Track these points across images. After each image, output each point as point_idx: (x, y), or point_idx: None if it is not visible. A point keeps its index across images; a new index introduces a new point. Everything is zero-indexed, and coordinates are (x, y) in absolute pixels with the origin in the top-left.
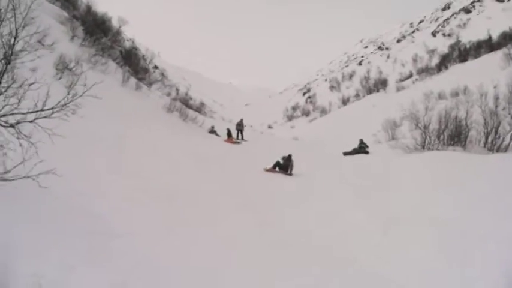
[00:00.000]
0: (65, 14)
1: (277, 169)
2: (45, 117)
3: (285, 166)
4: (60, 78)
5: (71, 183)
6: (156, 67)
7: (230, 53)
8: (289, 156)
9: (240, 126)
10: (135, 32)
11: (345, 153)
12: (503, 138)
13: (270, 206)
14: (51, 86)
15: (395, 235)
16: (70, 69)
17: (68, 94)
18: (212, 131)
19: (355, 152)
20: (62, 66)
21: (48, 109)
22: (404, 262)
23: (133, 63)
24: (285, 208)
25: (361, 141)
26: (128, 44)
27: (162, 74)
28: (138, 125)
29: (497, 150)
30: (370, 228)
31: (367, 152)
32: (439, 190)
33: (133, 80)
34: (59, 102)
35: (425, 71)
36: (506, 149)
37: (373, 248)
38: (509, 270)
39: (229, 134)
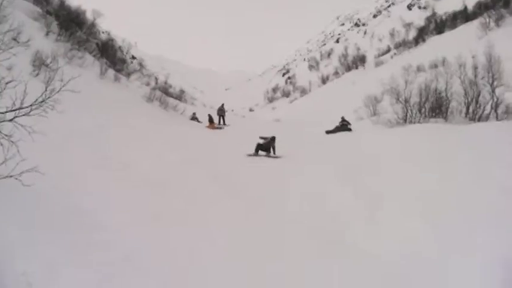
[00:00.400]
0: (38, 9)
1: (259, 153)
2: (24, 115)
3: (266, 147)
4: (37, 75)
5: (54, 180)
6: (133, 57)
7: (208, 39)
8: (273, 138)
9: (221, 111)
10: (111, 24)
11: (328, 132)
12: (484, 108)
13: (256, 191)
14: (29, 83)
15: (382, 213)
16: (47, 65)
17: (46, 90)
18: (194, 117)
19: (337, 129)
20: (39, 63)
21: (26, 107)
22: (393, 239)
23: (111, 55)
24: (270, 191)
25: (343, 119)
26: (103, 36)
27: (140, 64)
28: (119, 117)
29: (479, 120)
30: (357, 206)
31: (349, 129)
32: (422, 164)
33: (111, 72)
34: (36, 99)
35: (403, 45)
36: (487, 118)
37: (362, 227)
38: (492, 240)
39: (210, 119)
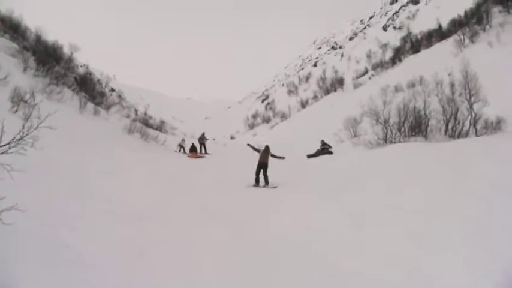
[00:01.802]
0: (15, 45)
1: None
2: (2, 153)
3: (263, 162)
4: (16, 111)
5: (35, 217)
6: (112, 90)
7: (187, 69)
8: (267, 147)
9: (202, 140)
10: (88, 57)
11: (309, 156)
12: (463, 124)
13: (241, 217)
14: (8, 119)
15: (366, 232)
16: (25, 101)
17: (23, 128)
18: (181, 145)
19: (318, 153)
20: (17, 99)
21: (4, 145)
22: (379, 257)
23: (89, 89)
24: (256, 217)
25: (323, 142)
26: (82, 70)
27: (119, 96)
28: (100, 150)
29: (458, 136)
30: (341, 227)
31: (330, 152)
32: (404, 183)
33: (90, 105)
34: (14, 137)
35: (380, 66)
36: (466, 134)
37: (347, 246)
38: (478, 253)
39: (193, 148)
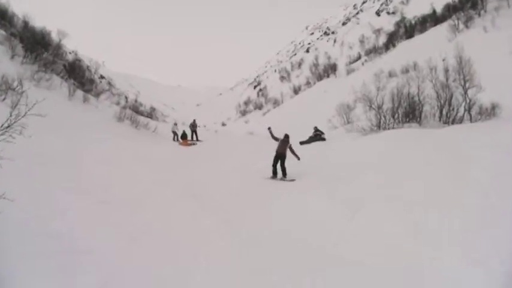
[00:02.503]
0: (3, 32)
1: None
2: None
3: (282, 153)
4: (4, 99)
5: (25, 206)
6: (102, 77)
7: (178, 56)
8: (286, 136)
9: (193, 127)
10: (77, 44)
11: (302, 143)
12: (457, 110)
13: (236, 206)
14: None
15: (364, 220)
16: (13, 89)
17: (11, 116)
18: (175, 132)
19: (311, 140)
20: (5, 87)
21: None
22: (376, 246)
23: (79, 76)
24: (250, 206)
25: (316, 129)
26: (71, 57)
27: (109, 83)
28: (90, 138)
29: (453, 123)
30: (338, 216)
31: (323, 139)
32: (400, 170)
33: (80, 93)
34: (2, 124)
35: (374, 51)
36: (461, 120)
37: (344, 236)
38: (476, 243)
39: (184, 135)
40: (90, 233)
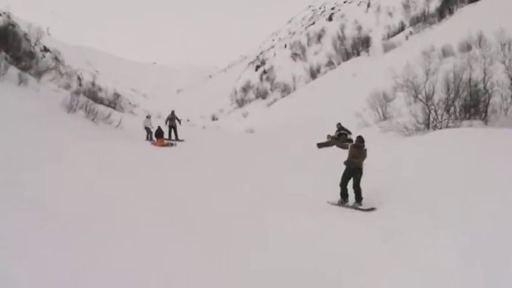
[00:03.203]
0: None
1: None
2: None
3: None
4: None
5: None
6: (46, 49)
7: (151, 24)
8: (360, 140)
9: (171, 122)
10: (11, 2)
11: (320, 145)
12: None
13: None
14: None
15: (397, 244)
16: None
17: None
18: (148, 128)
19: (333, 141)
20: None
21: None
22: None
23: (12, 47)
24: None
25: (340, 126)
26: (1, 20)
27: (56, 59)
28: (28, 135)
29: None
30: (369, 239)
31: (350, 140)
32: (460, 190)
33: (14, 71)
34: None
35: (422, 20)
36: None
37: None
38: None
39: (159, 133)
40: (27, 267)
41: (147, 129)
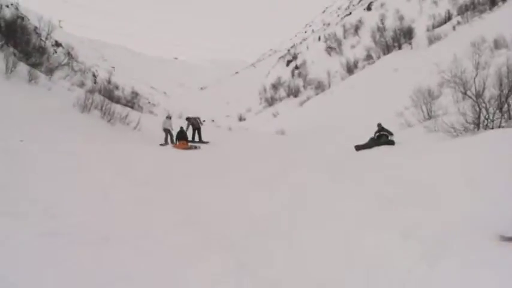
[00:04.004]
0: None
1: None
2: None
3: None
4: None
5: None
6: (58, 44)
7: (172, 16)
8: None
9: (196, 124)
10: None
11: (358, 147)
12: None
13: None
14: None
15: (445, 266)
16: None
17: None
18: (168, 131)
19: (373, 143)
20: None
21: None
22: None
23: (21, 42)
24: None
25: (380, 127)
26: (8, 12)
27: (69, 54)
28: (39, 137)
29: None
30: (409, 258)
31: (391, 142)
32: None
33: (23, 68)
34: None
35: (471, 8)
36: None
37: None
38: None
39: (181, 135)
40: (36, 281)
41: (167, 131)
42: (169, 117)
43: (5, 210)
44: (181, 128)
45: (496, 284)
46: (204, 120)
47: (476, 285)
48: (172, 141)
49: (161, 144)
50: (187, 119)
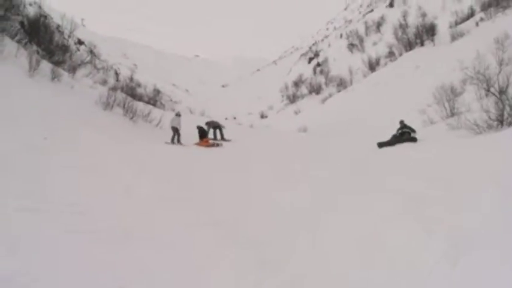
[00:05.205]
0: None
1: None
2: None
3: None
4: None
5: None
6: (80, 42)
7: (194, 14)
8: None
9: (217, 123)
10: None
11: (381, 144)
12: None
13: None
14: None
15: (468, 264)
16: None
17: None
18: (175, 127)
19: (395, 140)
20: None
21: None
22: None
23: (45, 40)
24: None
25: (403, 124)
26: (32, 11)
27: (91, 52)
28: (61, 134)
29: None
30: (432, 255)
31: (414, 139)
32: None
33: (46, 66)
34: None
35: (495, 4)
36: None
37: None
38: None
39: (202, 133)
40: (56, 276)
41: (175, 130)
42: (178, 115)
43: (33, 206)
44: (201, 127)
45: None
46: (223, 127)
47: (500, 284)
48: (178, 141)
49: (172, 142)
50: (207, 123)
